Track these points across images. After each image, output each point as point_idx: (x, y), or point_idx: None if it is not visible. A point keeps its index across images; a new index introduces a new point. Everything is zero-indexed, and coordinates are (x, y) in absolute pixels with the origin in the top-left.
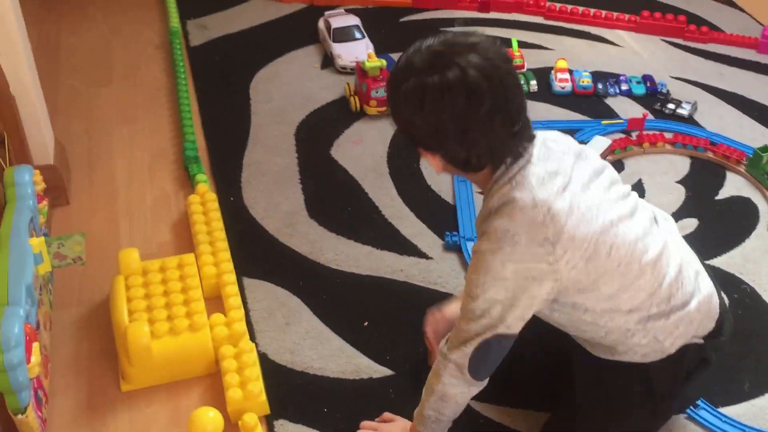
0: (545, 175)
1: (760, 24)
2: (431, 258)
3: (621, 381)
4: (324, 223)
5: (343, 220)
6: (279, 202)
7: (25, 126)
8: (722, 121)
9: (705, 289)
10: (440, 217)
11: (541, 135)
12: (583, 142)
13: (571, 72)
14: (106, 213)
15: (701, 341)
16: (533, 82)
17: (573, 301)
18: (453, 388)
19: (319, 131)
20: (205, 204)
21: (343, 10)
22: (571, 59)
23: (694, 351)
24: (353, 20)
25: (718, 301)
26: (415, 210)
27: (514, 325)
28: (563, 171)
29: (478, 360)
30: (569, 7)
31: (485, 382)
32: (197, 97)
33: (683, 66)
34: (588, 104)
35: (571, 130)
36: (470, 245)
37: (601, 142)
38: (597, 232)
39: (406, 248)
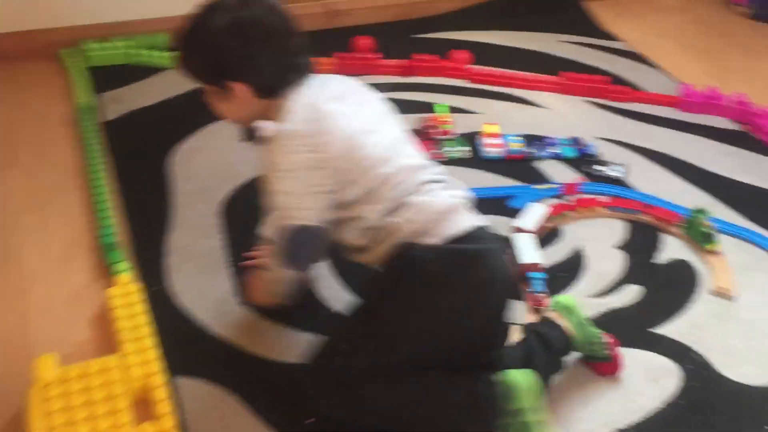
0: (319, 91)
1: (678, 81)
2: None
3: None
4: (261, 310)
5: (285, 308)
6: (208, 289)
7: None
8: (654, 183)
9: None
10: None
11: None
12: (517, 209)
13: (501, 136)
14: (16, 313)
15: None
16: (465, 148)
17: (346, 200)
18: (280, 273)
19: (245, 208)
20: (127, 296)
21: None
22: (498, 122)
23: (401, 255)
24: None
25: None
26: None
27: (308, 212)
28: (332, 86)
29: (291, 250)
30: (493, 69)
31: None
32: (114, 176)
33: (609, 127)
34: (519, 169)
35: (503, 197)
36: None
37: (537, 210)
38: (361, 128)
39: None
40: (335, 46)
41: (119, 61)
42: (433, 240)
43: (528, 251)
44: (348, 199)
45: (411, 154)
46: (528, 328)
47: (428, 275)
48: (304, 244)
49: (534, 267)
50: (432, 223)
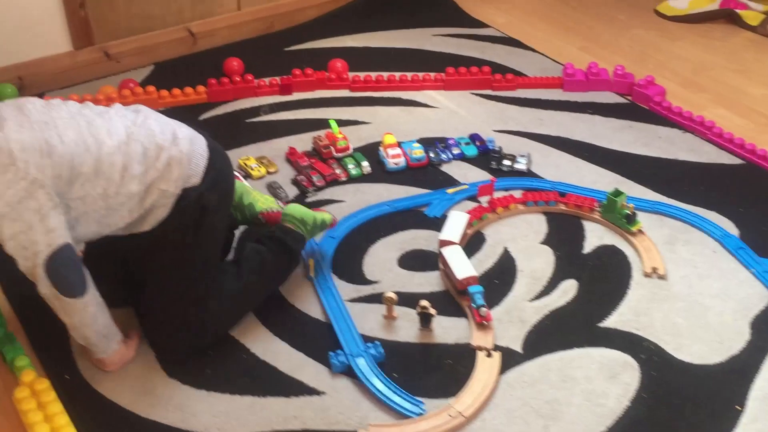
0: None
1: (558, 63)
2: (323, 392)
3: (151, 246)
4: (187, 380)
5: (210, 370)
6: (127, 367)
7: None
8: (559, 169)
9: (183, 133)
10: (316, 338)
11: None
12: (437, 217)
13: (400, 145)
14: None
15: (198, 183)
16: (365, 163)
17: (78, 196)
18: (74, 318)
19: None
20: (37, 395)
21: None
22: (390, 129)
23: (192, 199)
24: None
25: (203, 141)
26: (287, 338)
27: (48, 240)
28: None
29: (59, 282)
30: (373, 75)
31: (89, 291)
32: None
33: (502, 117)
34: (425, 176)
35: (419, 206)
36: (360, 362)
37: (459, 218)
38: (38, 131)
39: (292, 387)
40: (204, 72)
41: None
42: (195, 180)
43: (461, 265)
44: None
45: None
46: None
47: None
48: (64, 267)
49: (471, 280)
50: (187, 168)
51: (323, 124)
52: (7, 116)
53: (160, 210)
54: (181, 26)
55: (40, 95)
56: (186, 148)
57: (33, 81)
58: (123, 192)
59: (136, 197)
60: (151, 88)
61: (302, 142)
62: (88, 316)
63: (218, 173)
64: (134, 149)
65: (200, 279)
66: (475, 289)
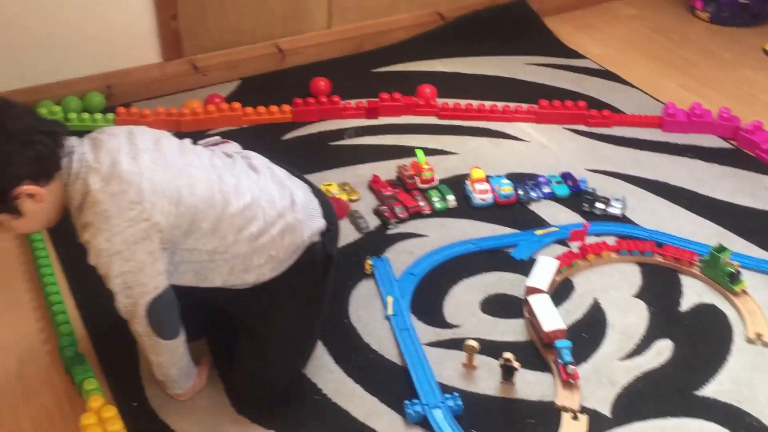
0: (102, 156)
1: (659, 101)
2: None
3: (272, 298)
4: (257, 418)
5: (280, 409)
6: (195, 399)
7: None
8: (656, 216)
9: (299, 198)
10: (391, 383)
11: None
12: (523, 260)
13: (488, 180)
14: None
15: (319, 239)
16: (450, 197)
17: (187, 247)
18: (161, 357)
19: None
20: (104, 423)
21: (218, 138)
22: (478, 161)
23: (319, 252)
24: (235, 149)
25: (316, 201)
26: (360, 380)
27: (155, 283)
28: (117, 146)
29: (157, 324)
30: (463, 103)
31: (181, 334)
32: (63, 269)
33: (596, 156)
34: (513, 214)
35: (506, 247)
36: (437, 414)
37: (549, 264)
38: (172, 176)
39: None
40: (290, 90)
41: None
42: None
43: (549, 316)
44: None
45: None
46: None
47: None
48: (164, 310)
49: (559, 334)
50: (300, 235)
51: (409, 152)
52: (143, 148)
53: (266, 269)
54: (270, 42)
55: (127, 105)
56: (302, 215)
57: (121, 90)
58: (231, 251)
59: (240, 257)
60: (237, 105)
61: (386, 169)
62: (177, 356)
63: (333, 223)
64: (255, 214)
65: (314, 333)
66: (563, 344)
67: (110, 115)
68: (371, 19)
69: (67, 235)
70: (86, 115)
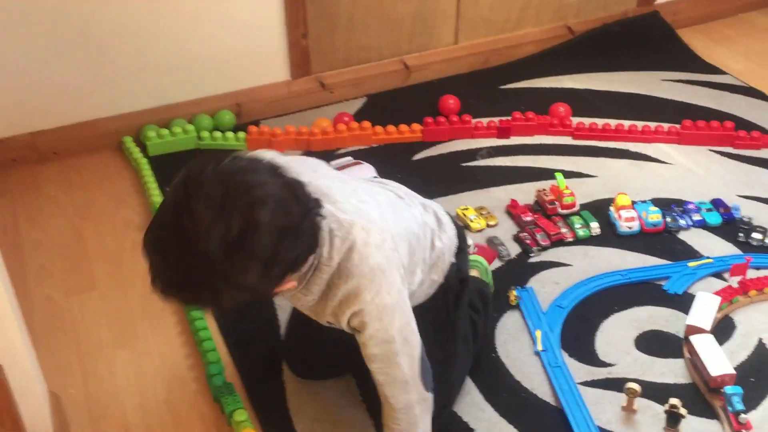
0: (343, 204)
1: None
2: None
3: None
4: None
5: None
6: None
7: (16, 395)
8: None
9: (444, 217)
10: (547, 425)
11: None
12: (679, 295)
13: (634, 207)
14: None
15: (454, 260)
16: (594, 224)
17: None
18: (427, 418)
19: None
20: None
21: (351, 159)
22: (619, 186)
23: (453, 274)
24: (368, 171)
25: (449, 218)
26: (513, 421)
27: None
28: (339, 187)
29: (426, 375)
30: (599, 122)
31: None
32: None
33: (747, 181)
34: (661, 243)
35: (657, 279)
36: None
37: (710, 301)
38: (400, 218)
39: None
40: (416, 108)
41: (182, 147)
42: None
43: (715, 359)
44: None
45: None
46: None
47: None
48: (425, 356)
49: (728, 379)
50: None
51: (545, 174)
52: (379, 195)
53: (423, 293)
54: (396, 59)
55: (256, 123)
56: (448, 239)
57: (250, 108)
58: (416, 282)
59: (413, 287)
60: (366, 124)
61: (522, 193)
62: (431, 411)
63: (463, 243)
64: (424, 245)
65: (455, 365)
66: (734, 390)
67: (241, 134)
68: (498, 34)
69: None
70: (218, 134)
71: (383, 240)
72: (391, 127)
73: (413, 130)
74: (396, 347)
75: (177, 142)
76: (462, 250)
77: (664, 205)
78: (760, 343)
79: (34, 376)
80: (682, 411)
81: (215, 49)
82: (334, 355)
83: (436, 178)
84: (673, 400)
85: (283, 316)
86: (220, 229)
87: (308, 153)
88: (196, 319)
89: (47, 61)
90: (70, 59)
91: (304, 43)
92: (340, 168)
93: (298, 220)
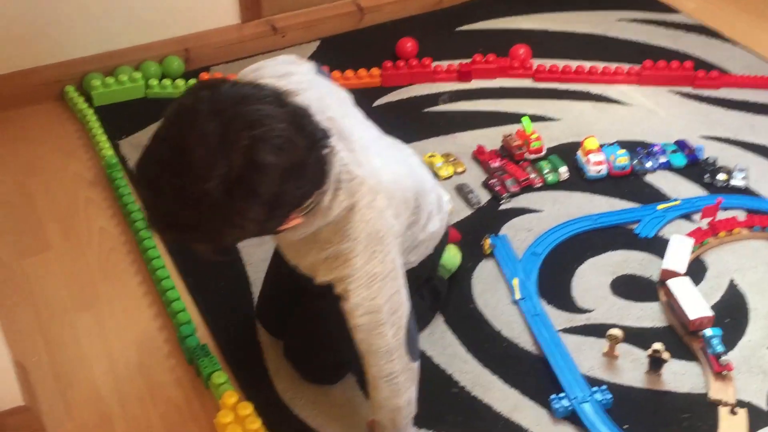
0: (359, 155)
1: (765, 61)
2: None
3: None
4: None
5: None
6: (329, 395)
7: None
8: None
9: (444, 209)
10: (530, 375)
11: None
12: (650, 238)
13: (602, 150)
14: None
15: (432, 251)
16: (563, 169)
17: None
18: (412, 387)
19: None
20: (242, 421)
21: None
22: (583, 128)
23: (426, 265)
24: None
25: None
26: (497, 371)
27: (407, 298)
28: (360, 134)
29: (412, 345)
30: (560, 64)
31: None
32: (167, 250)
33: (708, 121)
34: (629, 186)
35: (627, 223)
36: (587, 409)
37: (684, 244)
38: (404, 172)
39: None
40: (372, 51)
41: (129, 96)
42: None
43: (694, 302)
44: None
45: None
46: None
47: None
48: (413, 323)
49: (706, 321)
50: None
51: (509, 118)
52: (375, 136)
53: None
54: (349, 0)
55: (207, 69)
56: (439, 227)
57: (199, 54)
58: (414, 232)
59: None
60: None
61: (488, 138)
62: (417, 381)
63: (445, 240)
64: (421, 222)
65: None
66: (713, 332)
67: (192, 81)
68: None
69: None
70: (167, 82)
71: (388, 206)
72: (349, 72)
73: (372, 75)
74: (382, 317)
75: (124, 91)
76: (442, 246)
77: (629, 147)
78: (732, 284)
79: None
80: (665, 355)
81: None
82: (311, 311)
83: (398, 125)
84: (656, 345)
85: (253, 272)
86: (220, 169)
87: None
88: (163, 279)
89: None
90: (5, 2)
91: None
92: None
93: (304, 156)
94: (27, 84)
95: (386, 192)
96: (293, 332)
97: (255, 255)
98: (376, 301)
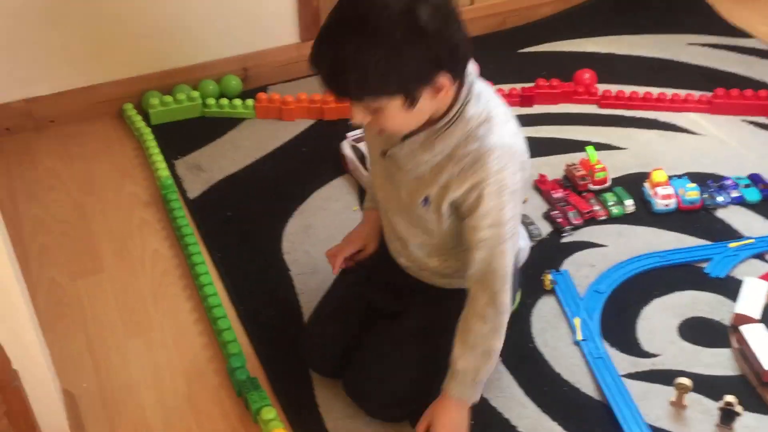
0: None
1: None
2: None
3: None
4: None
5: None
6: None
7: (31, 399)
8: None
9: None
10: (592, 422)
11: None
12: (721, 279)
13: (670, 182)
14: None
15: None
16: (628, 202)
17: None
18: (502, 337)
19: None
20: None
21: None
22: (650, 159)
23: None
24: None
25: None
26: (557, 417)
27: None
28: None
29: (514, 286)
30: (626, 90)
31: None
32: (219, 275)
33: None
34: (699, 222)
35: (698, 261)
36: None
37: (758, 288)
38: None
39: None
40: None
41: (186, 115)
42: None
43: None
44: None
45: None
46: None
47: None
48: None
49: None
50: None
51: (572, 146)
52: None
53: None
54: None
55: (264, 89)
56: (525, 245)
57: (257, 73)
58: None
59: None
60: None
61: (550, 167)
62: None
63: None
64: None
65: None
66: None
67: (249, 101)
68: None
69: (222, 235)
70: (224, 101)
71: (517, 133)
72: None
73: None
74: (506, 232)
75: (181, 110)
76: (517, 281)
77: (700, 180)
78: None
79: (49, 378)
80: (738, 409)
81: (221, 10)
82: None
83: None
84: (729, 397)
85: (306, 302)
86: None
87: (321, 123)
88: (214, 307)
89: (43, 22)
90: (67, 21)
91: (315, 3)
92: (358, 140)
93: (457, 36)
94: (87, 101)
95: (518, 127)
96: (362, 363)
97: (308, 284)
98: (504, 212)
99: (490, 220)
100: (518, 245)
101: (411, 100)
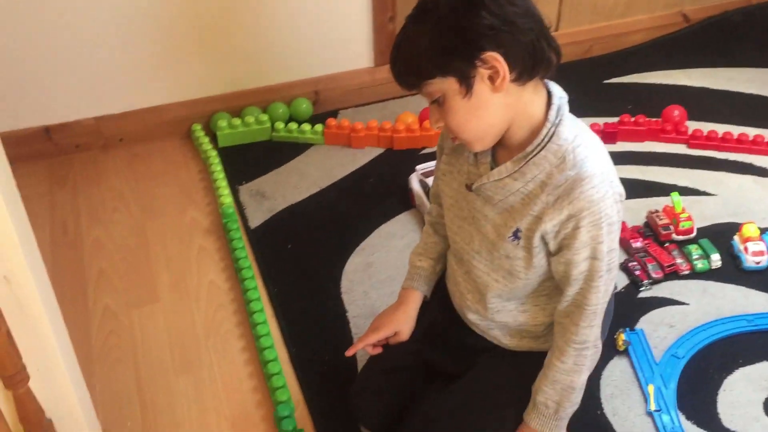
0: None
1: None
2: None
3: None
4: None
5: None
6: None
7: None
8: None
9: None
10: None
11: None
12: None
13: (762, 238)
14: None
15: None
16: (715, 257)
17: None
18: (589, 371)
19: None
20: None
21: None
22: (743, 208)
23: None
24: None
25: None
26: None
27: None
28: None
29: (604, 322)
30: (719, 130)
31: None
32: (274, 312)
33: None
34: None
35: None
36: None
37: None
38: None
39: None
40: None
41: (254, 139)
42: None
43: None
44: None
45: None
46: None
47: None
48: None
49: None
50: None
51: (657, 189)
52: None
53: None
54: None
55: (335, 113)
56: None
57: (328, 96)
58: None
59: None
60: None
61: (631, 212)
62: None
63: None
64: None
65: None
66: None
67: (319, 127)
68: (604, 20)
69: (281, 269)
70: (293, 126)
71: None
72: None
73: None
74: (602, 266)
75: (249, 133)
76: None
77: None
78: None
79: (85, 427)
80: None
81: (296, 33)
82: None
83: None
84: None
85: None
86: None
87: (390, 152)
88: (266, 348)
89: (115, 43)
90: (138, 42)
91: (391, 27)
92: (427, 174)
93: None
94: (156, 120)
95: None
96: (412, 426)
97: (364, 328)
98: (602, 246)
99: (587, 254)
100: (614, 283)
101: (466, 84)
